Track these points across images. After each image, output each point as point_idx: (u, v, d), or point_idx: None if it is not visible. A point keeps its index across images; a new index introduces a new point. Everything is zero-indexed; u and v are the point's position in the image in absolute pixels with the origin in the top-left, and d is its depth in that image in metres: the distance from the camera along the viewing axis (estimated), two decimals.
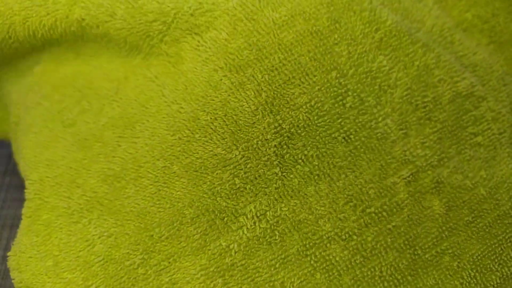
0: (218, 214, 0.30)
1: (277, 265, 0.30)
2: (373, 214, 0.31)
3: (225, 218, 0.30)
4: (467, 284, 0.31)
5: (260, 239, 0.30)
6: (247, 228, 0.30)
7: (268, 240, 0.30)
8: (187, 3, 0.34)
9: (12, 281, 0.32)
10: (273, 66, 0.32)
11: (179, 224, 0.30)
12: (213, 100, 0.32)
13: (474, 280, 0.32)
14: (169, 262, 0.30)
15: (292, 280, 0.30)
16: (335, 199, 0.31)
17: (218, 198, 0.30)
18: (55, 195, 0.33)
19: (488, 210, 0.32)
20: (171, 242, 0.30)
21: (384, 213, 0.31)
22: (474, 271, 0.32)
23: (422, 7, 0.36)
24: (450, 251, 0.31)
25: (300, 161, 0.30)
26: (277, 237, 0.30)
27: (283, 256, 0.30)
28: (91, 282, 0.30)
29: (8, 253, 0.33)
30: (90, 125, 0.34)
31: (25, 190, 0.34)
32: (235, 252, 0.30)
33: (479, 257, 0.32)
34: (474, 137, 0.33)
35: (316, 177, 0.31)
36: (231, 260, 0.29)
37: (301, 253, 0.30)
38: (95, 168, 0.33)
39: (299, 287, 0.30)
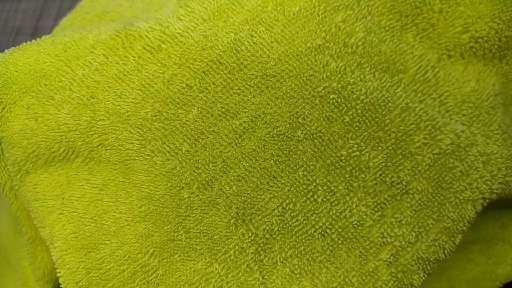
0: None
1: None
2: None
3: None
4: None
5: None
6: None
7: None
8: (145, 108, 0.30)
9: None
10: (239, 176, 0.30)
11: None
12: (186, 220, 0.30)
13: None
14: None
15: None
16: None
17: None
18: None
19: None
20: None
21: None
22: None
23: (404, 48, 0.32)
24: None
25: (279, 262, 0.31)
26: None
27: None
28: None
29: None
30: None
31: None
32: None
33: None
34: (460, 193, 0.32)
35: (298, 275, 0.31)
36: None
37: None
38: None
39: None
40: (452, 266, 0.37)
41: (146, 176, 0.30)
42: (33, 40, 0.33)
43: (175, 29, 0.30)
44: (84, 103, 0.30)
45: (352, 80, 0.31)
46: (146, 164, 0.30)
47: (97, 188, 0.30)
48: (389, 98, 0.31)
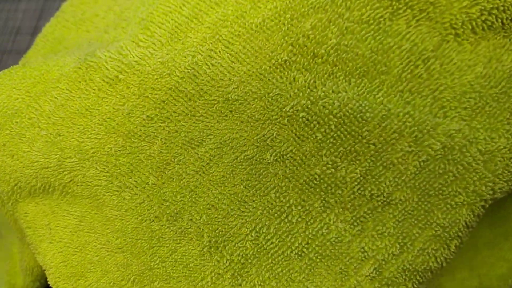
0: None
1: None
2: None
3: None
4: None
5: None
6: None
7: None
8: (108, 144, 0.29)
9: None
10: (208, 204, 0.30)
11: None
12: (160, 250, 0.30)
13: None
14: None
15: None
16: None
17: None
18: None
19: None
20: None
21: None
22: None
23: (390, 44, 0.29)
24: None
25: (257, 286, 0.31)
26: None
27: None
28: None
29: None
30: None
31: None
32: None
33: None
34: (452, 198, 0.30)
35: None
36: None
37: None
38: None
39: None
40: (482, 263, 0.36)
41: (117, 211, 0.30)
42: (5, 71, 0.33)
43: (133, 57, 0.29)
44: (52, 141, 0.30)
45: (322, 93, 0.28)
46: (115, 200, 0.30)
47: (77, 220, 0.31)
48: (367, 107, 0.28)
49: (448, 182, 0.29)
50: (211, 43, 0.29)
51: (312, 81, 0.28)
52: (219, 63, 0.28)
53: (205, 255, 0.30)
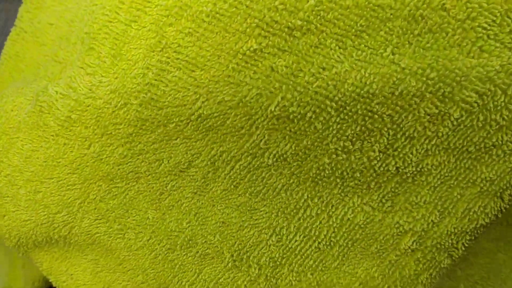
0: None
1: None
2: None
3: None
4: None
5: None
6: None
7: None
8: (92, 190, 0.27)
9: None
10: (218, 222, 0.27)
11: None
12: (185, 275, 0.29)
13: None
14: None
15: None
16: None
17: None
18: None
19: None
20: None
21: None
22: None
23: None
24: None
25: (294, 281, 0.30)
26: None
27: None
28: None
29: None
30: None
31: None
32: None
33: None
34: (498, 149, 0.25)
35: (316, 286, 0.29)
36: None
37: None
38: None
39: None
40: None
41: (127, 252, 0.28)
42: None
43: (82, 89, 0.24)
44: (34, 199, 0.27)
45: (311, 77, 0.22)
46: (121, 242, 0.27)
47: (93, 262, 0.30)
48: (372, 76, 0.23)
49: (491, 133, 0.24)
50: (160, 53, 0.23)
51: (295, 63, 0.22)
52: (175, 76, 0.23)
53: (232, 268, 0.28)
